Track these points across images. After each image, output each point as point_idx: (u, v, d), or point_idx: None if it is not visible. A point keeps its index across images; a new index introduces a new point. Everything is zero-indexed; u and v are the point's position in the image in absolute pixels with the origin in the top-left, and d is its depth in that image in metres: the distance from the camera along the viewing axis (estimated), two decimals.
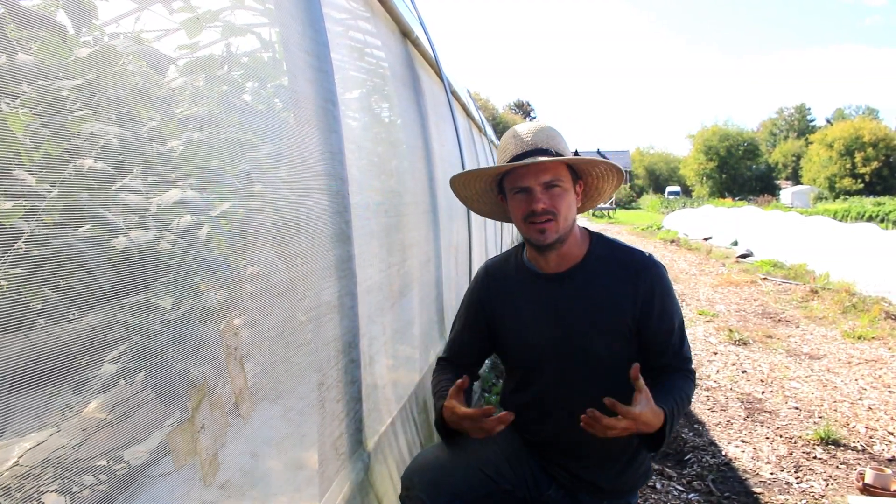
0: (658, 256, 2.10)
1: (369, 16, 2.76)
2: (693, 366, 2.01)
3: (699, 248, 16.35)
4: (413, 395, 2.75)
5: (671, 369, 1.95)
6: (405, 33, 3.43)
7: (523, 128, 1.91)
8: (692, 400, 1.96)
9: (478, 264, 5.08)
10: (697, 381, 5.22)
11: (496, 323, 2.06)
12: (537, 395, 2.00)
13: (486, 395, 4.62)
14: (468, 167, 4.94)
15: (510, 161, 1.85)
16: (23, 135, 1.04)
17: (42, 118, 1.07)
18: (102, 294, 1.01)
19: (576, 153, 1.91)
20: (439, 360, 2.22)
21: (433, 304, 3.44)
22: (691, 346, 6.84)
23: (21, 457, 0.80)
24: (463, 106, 6.34)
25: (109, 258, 1.05)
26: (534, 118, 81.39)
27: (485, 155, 8.29)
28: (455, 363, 2.16)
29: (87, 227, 1.07)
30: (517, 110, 79.91)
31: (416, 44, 3.61)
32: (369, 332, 2.19)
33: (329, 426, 1.71)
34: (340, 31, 2.41)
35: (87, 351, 0.96)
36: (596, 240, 1.99)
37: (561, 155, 1.84)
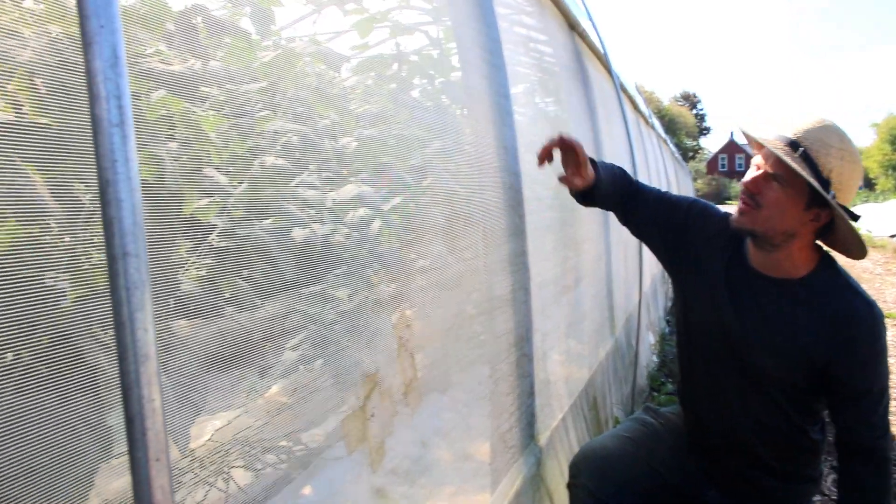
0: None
1: (533, 10, 2.72)
2: (888, 438, 1.61)
3: (885, 246, 14.52)
4: (584, 391, 2.67)
5: (853, 437, 1.61)
6: (572, 25, 3.34)
7: (801, 112, 1.66)
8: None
9: (648, 263, 4.84)
10: None
11: (681, 255, 1.80)
12: (693, 387, 1.83)
13: (655, 394, 4.39)
14: (638, 163, 4.76)
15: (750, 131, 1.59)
16: (214, 135, 1.11)
17: (229, 119, 1.14)
18: (284, 284, 1.05)
19: (842, 205, 1.48)
20: None
21: (604, 300, 3.33)
22: None
23: (213, 434, 0.85)
24: (631, 100, 6.09)
25: (291, 249, 1.09)
26: (700, 110, 76.72)
27: (653, 150, 7.92)
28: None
29: (271, 220, 1.11)
30: (684, 102, 75.74)
31: (583, 36, 3.51)
32: (542, 327, 2.14)
33: (501, 419, 1.69)
34: (506, 27, 2.39)
35: (269, 337, 0.99)
36: (822, 269, 1.63)
37: (816, 166, 1.48)
